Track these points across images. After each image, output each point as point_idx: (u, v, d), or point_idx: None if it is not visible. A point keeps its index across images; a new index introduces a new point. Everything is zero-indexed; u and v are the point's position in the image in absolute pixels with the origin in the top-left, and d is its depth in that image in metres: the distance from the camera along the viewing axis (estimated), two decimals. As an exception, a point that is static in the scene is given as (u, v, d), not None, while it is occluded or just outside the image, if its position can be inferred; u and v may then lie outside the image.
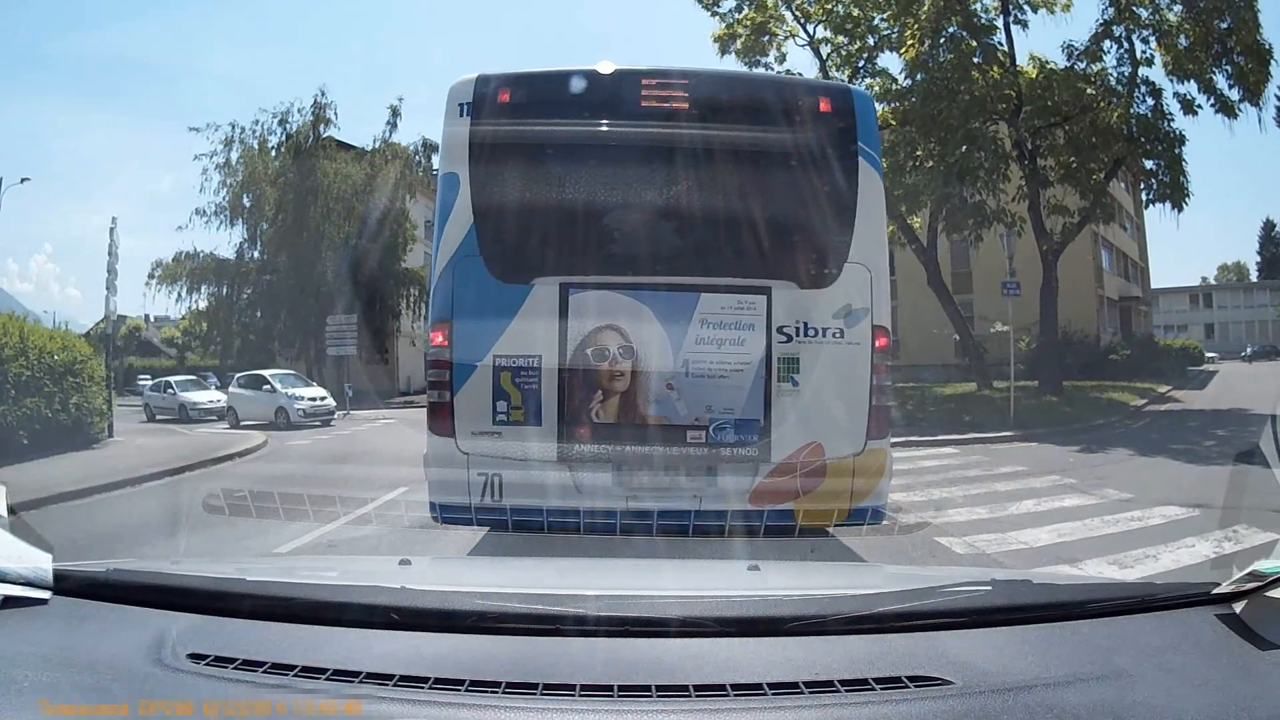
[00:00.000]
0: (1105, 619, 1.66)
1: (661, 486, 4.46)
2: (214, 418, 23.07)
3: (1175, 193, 18.23)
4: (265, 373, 22.59)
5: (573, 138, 4.70)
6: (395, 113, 36.04)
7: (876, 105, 20.46)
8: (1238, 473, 8.37)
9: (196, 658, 1.47)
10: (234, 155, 33.84)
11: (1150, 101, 18.58)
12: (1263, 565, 1.60)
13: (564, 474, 4.39)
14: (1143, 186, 19.18)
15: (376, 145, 35.40)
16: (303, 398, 21.15)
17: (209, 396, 24.54)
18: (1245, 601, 1.61)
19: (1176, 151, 18.21)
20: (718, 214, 4.72)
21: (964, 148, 17.08)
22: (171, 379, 26.68)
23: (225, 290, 34.96)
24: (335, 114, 35.70)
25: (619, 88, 4.66)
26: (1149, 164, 18.68)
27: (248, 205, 34.12)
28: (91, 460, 12.19)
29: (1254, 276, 75.32)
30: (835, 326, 4.50)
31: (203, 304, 35.64)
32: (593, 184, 4.72)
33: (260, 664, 1.45)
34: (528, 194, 4.67)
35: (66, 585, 1.72)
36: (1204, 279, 77.74)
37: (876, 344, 4.52)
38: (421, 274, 38.18)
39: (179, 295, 34.74)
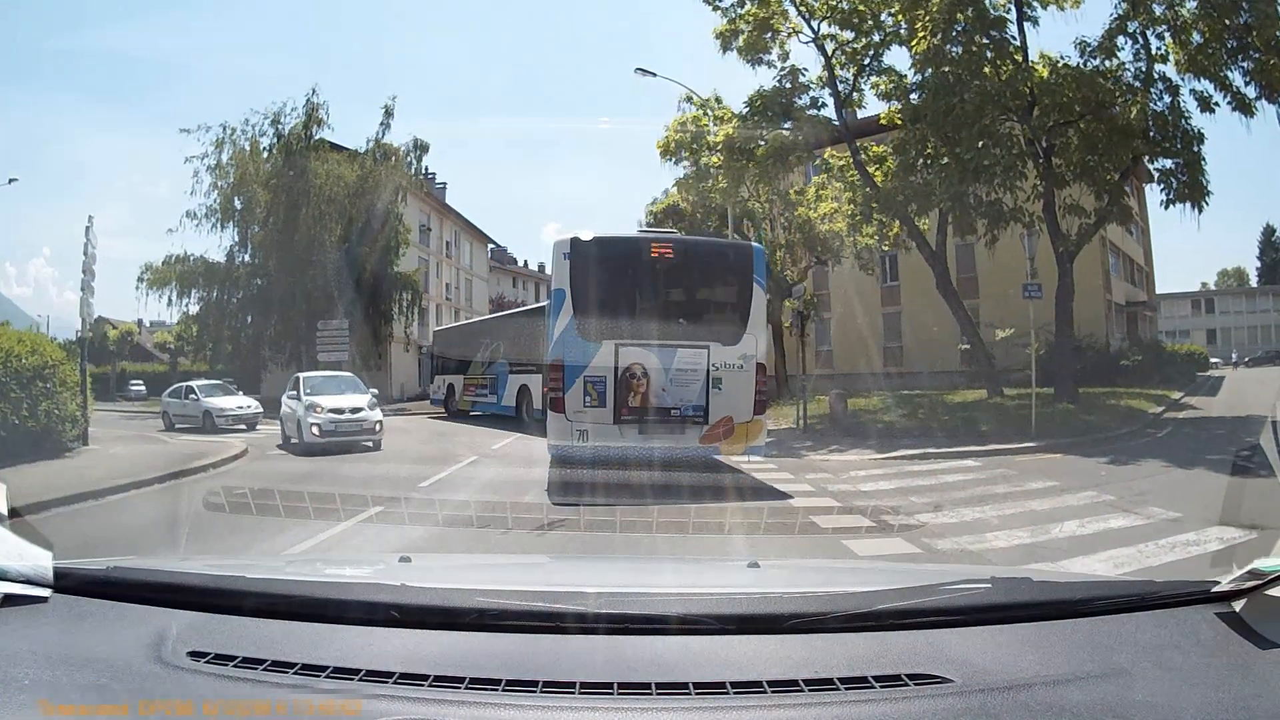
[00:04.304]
0: (1105, 617, 1.64)
1: (660, 434, 9.49)
2: (243, 426, 20.39)
3: (1195, 192, 17.57)
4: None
5: (621, 268, 10.05)
6: (389, 112, 35.28)
7: (884, 105, 20.18)
8: (1235, 481, 7.76)
9: (197, 655, 1.46)
10: (225, 156, 33.11)
11: (1167, 99, 17.95)
12: (1262, 564, 1.58)
13: (615, 428, 9.45)
14: (1161, 187, 18.46)
15: (369, 146, 34.73)
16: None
17: (237, 402, 21.71)
18: (1245, 600, 1.59)
19: (1196, 149, 17.57)
20: (687, 310, 10.31)
21: (980, 144, 16.41)
22: (194, 383, 23.47)
23: (216, 294, 34.13)
24: (327, 114, 34.73)
25: (642, 243, 10.34)
26: (1167, 163, 18.04)
27: (239, 207, 33.37)
28: (59, 470, 11.41)
29: (1254, 282, 74.99)
30: (738, 363, 9.67)
31: (194, 308, 34.84)
32: (631, 294, 9.93)
33: (260, 662, 1.43)
34: (599, 299, 9.69)
35: (67, 583, 1.71)
36: (1204, 284, 77.27)
37: (758, 370, 9.81)
38: (415, 278, 37.47)
39: (169, 299, 34.11)
